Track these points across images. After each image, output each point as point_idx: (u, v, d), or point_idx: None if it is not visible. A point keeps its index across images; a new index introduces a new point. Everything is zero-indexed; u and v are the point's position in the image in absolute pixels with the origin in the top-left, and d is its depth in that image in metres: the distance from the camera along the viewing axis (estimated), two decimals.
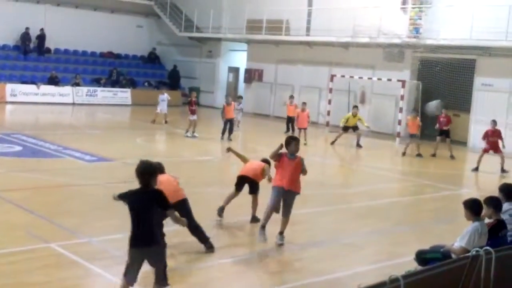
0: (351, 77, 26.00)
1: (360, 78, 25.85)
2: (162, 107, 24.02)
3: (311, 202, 11.87)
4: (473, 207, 7.12)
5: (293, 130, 22.86)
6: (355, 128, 21.59)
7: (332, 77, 26.45)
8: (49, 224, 9.39)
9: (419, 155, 19.63)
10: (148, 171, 6.17)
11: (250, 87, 32.25)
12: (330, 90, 26.34)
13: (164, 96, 24.23)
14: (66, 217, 9.85)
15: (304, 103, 22.55)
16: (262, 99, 31.23)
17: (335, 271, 8.27)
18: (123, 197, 6.30)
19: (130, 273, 6.16)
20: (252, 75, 32.15)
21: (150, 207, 6.10)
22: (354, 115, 21.70)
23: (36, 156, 14.91)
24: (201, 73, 35.24)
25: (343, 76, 26.20)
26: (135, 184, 6.26)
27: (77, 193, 11.84)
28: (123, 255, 6.56)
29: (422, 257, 7.30)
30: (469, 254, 6.08)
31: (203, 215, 9.10)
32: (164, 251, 6.57)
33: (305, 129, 21.35)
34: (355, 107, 22.57)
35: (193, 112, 20.69)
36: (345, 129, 21.69)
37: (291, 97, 24.46)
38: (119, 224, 9.40)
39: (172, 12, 35.69)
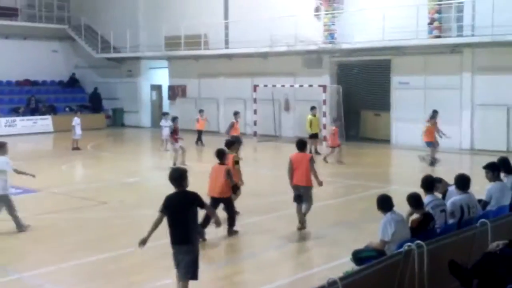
0: (274, 86, 26.37)
1: (283, 86, 26.26)
2: (77, 131, 23.04)
3: (246, 213, 11.91)
4: (380, 204, 7.62)
5: (202, 143, 23.83)
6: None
7: (255, 87, 26.74)
8: None
9: (340, 162, 19.34)
10: (180, 175, 7.06)
11: (174, 103, 32.09)
12: (255, 100, 26.61)
13: (77, 120, 23.22)
14: None
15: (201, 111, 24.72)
16: (188, 114, 31.11)
17: (275, 279, 8.34)
18: (164, 208, 7.02)
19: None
20: (176, 92, 32.03)
21: (188, 208, 6.96)
22: (314, 115, 21.56)
23: None
24: (123, 93, 34.76)
25: (265, 85, 26.54)
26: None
27: (5, 229, 11.40)
28: None
29: (358, 256, 7.50)
30: (401, 249, 6.29)
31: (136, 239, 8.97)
32: (196, 249, 7.07)
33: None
34: (314, 108, 22.00)
35: (177, 140, 18.65)
36: (314, 136, 21.15)
37: (201, 111, 24.96)
38: (54, 256, 9.20)
39: (87, 34, 35.06)
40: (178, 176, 7.03)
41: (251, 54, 27.53)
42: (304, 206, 10.75)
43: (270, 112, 27.19)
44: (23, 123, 30.52)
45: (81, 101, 35.35)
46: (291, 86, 26.36)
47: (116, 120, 34.65)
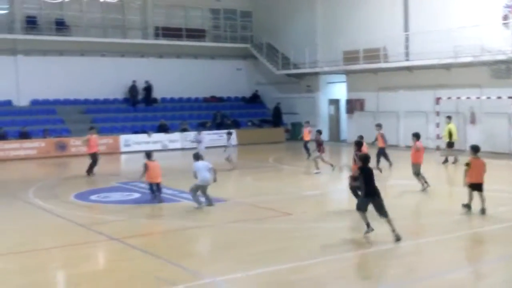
0: (458, 98, 25.22)
1: (468, 98, 25.00)
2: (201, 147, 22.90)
3: (429, 231, 11.50)
4: None
5: (308, 153, 23.71)
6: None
7: (437, 100, 25.78)
8: (173, 267, 9.70)
9: None
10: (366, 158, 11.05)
11: (352, 117, 32.05)
12: (437, 113, 25.62)
13: (200, 137, 23.84)
14: (188, 259, 10.14)
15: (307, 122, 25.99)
16: (365, 128, 30.85)
17: None
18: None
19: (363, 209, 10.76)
20: (354, 106, 31.98)
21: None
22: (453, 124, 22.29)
23: (154, 202, 15.53)
24: (301, 108, 35.51)
25: (449, 98, 25.48)
26: None
27: (196, 235, 12.19)
28: None
29: None
30: None
31: (316, 252, 9.09)
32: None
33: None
34: (450, 117, 22.77)
35: (323, 151, 20.78)
36: (452, 145, 21.77)
37: (307, 122, 26.10)
38: (239, 264, 9.61)
39: (268, 52, 36.46)
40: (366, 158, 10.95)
41: (433, 66, 26.62)
42: None
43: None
44: (210, 136, 32.44)
45: (262, 116, 36.81)
46: (477, 98, 25.00)
47: (295, 134, 35.43)
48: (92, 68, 33.11)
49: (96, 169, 21.05)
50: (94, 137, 21.63)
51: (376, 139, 21.10)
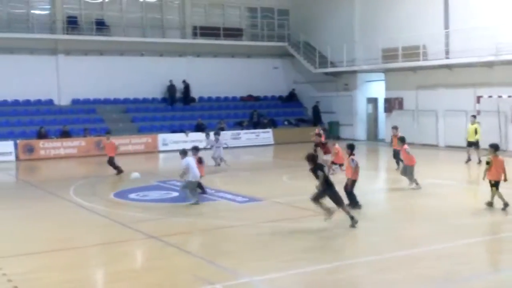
0: (499, 96, 24.70)
1: (510, 97, 24.47)
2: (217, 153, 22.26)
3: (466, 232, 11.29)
4: None
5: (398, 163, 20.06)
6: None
7: (478, 98, 25.30)
8: (211, 266, 9.76)
9: None
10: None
11: (390, 116, 31.71)
12: (478, 112, 25.13)
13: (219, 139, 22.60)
14: (225, 258, 10.19)
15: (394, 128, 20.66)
16: (404, 127, 30.46)
17: None
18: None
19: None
20: (392, 104, 31.62)
21: None
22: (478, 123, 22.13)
23: (192, 201, 15.63)
24: (339, 107, 35.29)
25: (490, 96, 24.98)
26: None
27: (232, 234, 12.24)
28: None
29: None
30: None
31: (355, 253, 8.97)
32: None
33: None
34: (475, 116, 22.66)
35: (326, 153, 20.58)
36: (474, 144, 21.78)
37: (395, 128, 20.76)
38: (275, 264, 9.61)
39: (306, 50, 36.34)
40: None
41: (474, 64, 26.14)
42: None
43: (495, 125, 25.46)
44: (247, 135, 32.62)
45: (298, 115, 36.72)
46: None
47: (332, 132, 35.22)
48: (131, 68, 33.54)
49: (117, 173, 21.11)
50: (109, 142, 21.62)
51: (392, 141, 20.77)
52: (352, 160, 13.77)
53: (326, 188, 11.98)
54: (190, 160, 14.90)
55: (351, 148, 13.97)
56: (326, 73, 35.18)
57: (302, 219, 13.32)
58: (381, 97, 32.99)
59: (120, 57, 33.64)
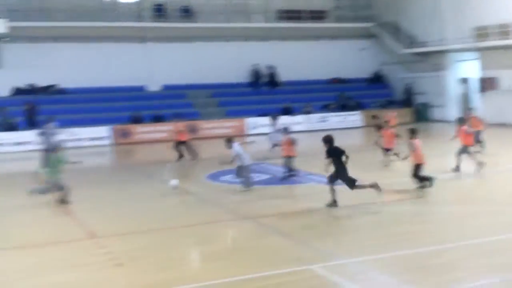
0: None
1: None
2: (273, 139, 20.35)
3: None
4: None
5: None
6: None
7: None
8: (306, 247, 9.77)
9: None
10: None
11: (484, 96, 30.45)
12: None
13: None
14: (319, 240, 10.17)
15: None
16: (500, 108, 29.24)
17: None
18: None
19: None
20: (487, 84, 30.33)
21: None
22: None
23: (283, 183, 15.73)
24: (428, 87, 34.28)
25: None
26: None
27: (328, 217, 12.18)
28: (382, 276, 6.51)
29: None
30: None
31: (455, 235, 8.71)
32: None
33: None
34: None
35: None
36: None
37: (469, 109, 20.39)
38: (372, 247, 9.48)
39: (392, 30, 35.46)
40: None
41: None
42: None
43: None
44: (334, 118, 32.36)
45: (385, 96, 35.99)
46: None
47: (422, 114, 34.32)
48: (217, 53, 33.98)
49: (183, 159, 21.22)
50: (178, 125, 21.87)
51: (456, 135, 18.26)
52: (410, 144, 13.67)
53: (338, 173, 12.16)
54: (237, 146, 14.77)
55: (412, 132, 13.87)
56: (415, 53, 34.20)
57: (398, 202, 13.09)
58: (472, 77, 31.73)
59: (206, 43, 34.13)
